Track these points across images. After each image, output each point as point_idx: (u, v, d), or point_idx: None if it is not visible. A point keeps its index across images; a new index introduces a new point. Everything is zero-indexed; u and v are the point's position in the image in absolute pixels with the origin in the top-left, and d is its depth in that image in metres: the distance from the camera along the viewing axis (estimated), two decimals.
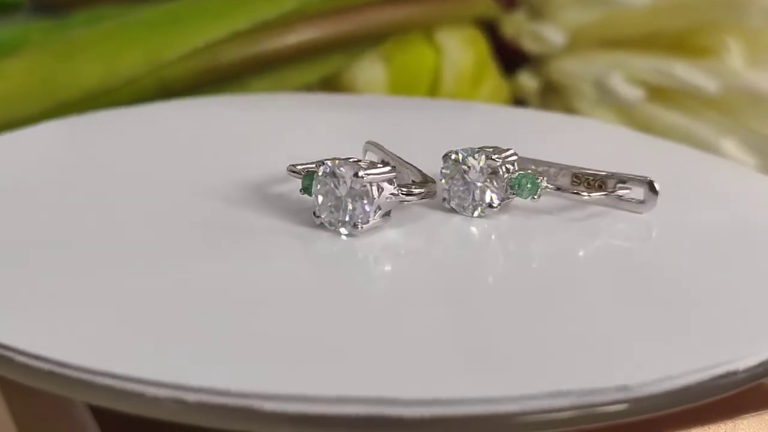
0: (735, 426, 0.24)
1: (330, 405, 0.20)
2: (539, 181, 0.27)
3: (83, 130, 0.34)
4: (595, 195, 0.28)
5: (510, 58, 0.45)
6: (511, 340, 0.22)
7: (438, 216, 0.28)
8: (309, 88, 0.41)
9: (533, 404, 0.20)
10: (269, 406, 0.20)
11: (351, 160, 0.26)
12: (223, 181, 0.29)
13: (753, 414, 0.24)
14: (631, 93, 0.42)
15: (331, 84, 0.42)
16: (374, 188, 0.26)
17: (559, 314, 0.23)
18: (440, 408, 0.20)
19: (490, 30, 0.45)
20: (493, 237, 0.27)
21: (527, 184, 0.27)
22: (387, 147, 0.29)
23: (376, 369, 0.21)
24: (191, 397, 0.20)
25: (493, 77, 0.44)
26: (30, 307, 0.23)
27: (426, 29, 0.43)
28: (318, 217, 0.26)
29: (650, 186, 0.27)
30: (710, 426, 0.24)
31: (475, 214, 0.28)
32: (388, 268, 0.25)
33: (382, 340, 0.22)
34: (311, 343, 0.22)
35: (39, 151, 0.32)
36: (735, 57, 0.42)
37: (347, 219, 0.26)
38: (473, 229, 0.27)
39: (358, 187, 0.26)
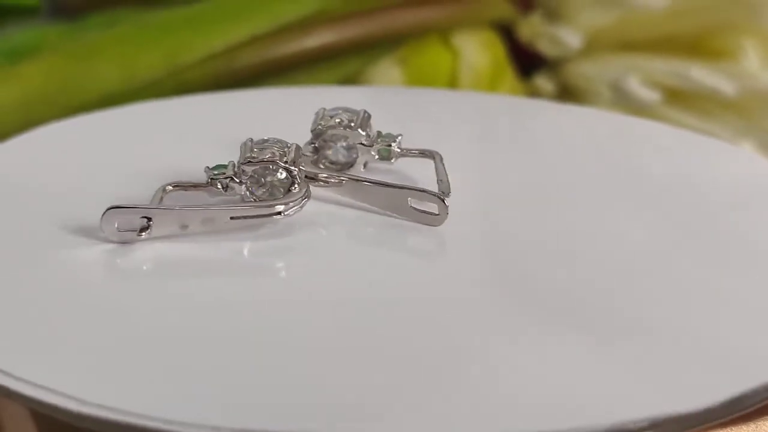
0: (757, 428, 0.24)
1: None
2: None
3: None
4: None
5: (526, 60, 0.45)
6: None
7: None
8: None
9: None
10: None
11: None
12: None
13: None
14: (648, 95, 0.42)
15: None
16: None
17: None
18: None
19: (507, 33, 0.45)
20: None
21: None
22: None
23: None
24: None
25: (509, 80, 0.44)
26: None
27: (443, 32, 0.43)
28: None
29: (441, 201, 0.27)
30: (732, 428, 0.23)
31: None
32: None
33: None
34: None
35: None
36: (751, 59, 0.42)
37: None
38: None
39: None
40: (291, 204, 0.26)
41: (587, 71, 0.44)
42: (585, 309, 0.24)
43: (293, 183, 0.26)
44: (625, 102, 0.43)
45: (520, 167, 0.31)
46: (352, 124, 0.29)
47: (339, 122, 0.29)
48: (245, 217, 0.26)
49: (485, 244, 0.27)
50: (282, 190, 0.26)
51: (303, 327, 0.23)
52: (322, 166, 0.29)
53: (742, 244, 0.27)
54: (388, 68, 0.42)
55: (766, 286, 0.25)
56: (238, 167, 0.26)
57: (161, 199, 0.26)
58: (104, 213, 0.25)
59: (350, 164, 0.29)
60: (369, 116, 0.29)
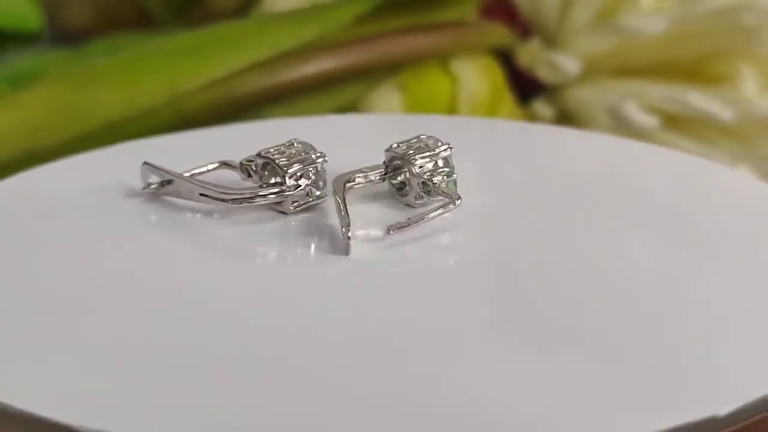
0: None
1: None
2: None
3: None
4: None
5: (525, 86, 0.46)
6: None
7: None
8: None
9: None
10: None
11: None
12: None
13: None
14: (646, 121, 0.43)
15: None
16: None
17: None
18: None
19: (505, 59, 0.45)
20: None
21: None
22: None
23: None
24: None
25: (508, 106, 0.44)
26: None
27: (442, 58, 0.43)
28: None
29: (346, 233, 0.27)
30: None
31: None
32: None
33: None
34: None
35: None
36: (749, 85, 0.42)
37: None
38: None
39: None
40: (236, 196, 0.28)
41: (585, 97, 0.44)
42: (582, 330, 0.24)
43: (281, 184, 0.28)
44: (623, 127, 0.43)
45: (520, 189, 0.31)
46: (411, 152, 0.29)
47: (405, 149, 0.29)
48: (207, 196, 0.28)
49: (482, 266, 0.27)
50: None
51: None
52: (393, 183, 0.29)
53: (742, 268, 0.27)
54: (387, 94, 0.42)
55: (765, 309, 0.26)
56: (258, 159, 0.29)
57: (201, 170, 0.29)
58: (142, 165, 0.29)
59: (406, 192, 0.29)
60: (446, 149, 0.29)
